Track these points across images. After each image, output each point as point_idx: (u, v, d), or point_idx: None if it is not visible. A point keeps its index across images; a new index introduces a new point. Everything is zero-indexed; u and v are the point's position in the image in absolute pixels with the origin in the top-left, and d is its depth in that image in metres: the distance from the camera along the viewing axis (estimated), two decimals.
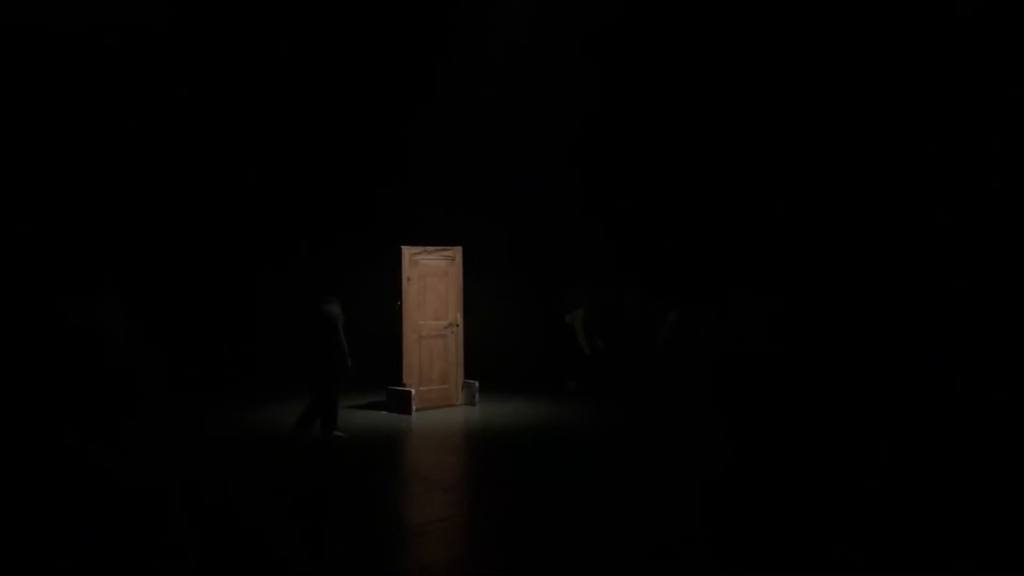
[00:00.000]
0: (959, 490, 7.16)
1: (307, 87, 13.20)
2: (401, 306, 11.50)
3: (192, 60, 12.51)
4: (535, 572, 5.60)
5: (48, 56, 11.77)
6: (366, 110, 13.54)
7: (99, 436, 9.78)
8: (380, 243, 12.21)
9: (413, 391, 11.35)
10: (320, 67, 13.08)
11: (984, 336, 10.20)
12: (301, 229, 13.47)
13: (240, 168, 13.21)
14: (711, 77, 12.66)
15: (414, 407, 11.25)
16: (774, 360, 11.30)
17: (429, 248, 11.79)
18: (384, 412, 11.32)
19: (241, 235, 13.33)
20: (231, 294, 13.13)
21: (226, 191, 13.27)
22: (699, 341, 12.14)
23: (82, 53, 11.91)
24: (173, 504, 7.16)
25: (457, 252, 11.96)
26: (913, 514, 6.58)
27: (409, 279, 11.55)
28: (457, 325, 11.88)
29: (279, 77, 13.05)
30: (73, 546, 6.10)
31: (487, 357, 12.49)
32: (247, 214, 13.34)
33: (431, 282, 11.73)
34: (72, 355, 11.34)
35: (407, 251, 11.62)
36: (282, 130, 13.27)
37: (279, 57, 12.89)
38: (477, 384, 11.89)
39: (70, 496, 7.33)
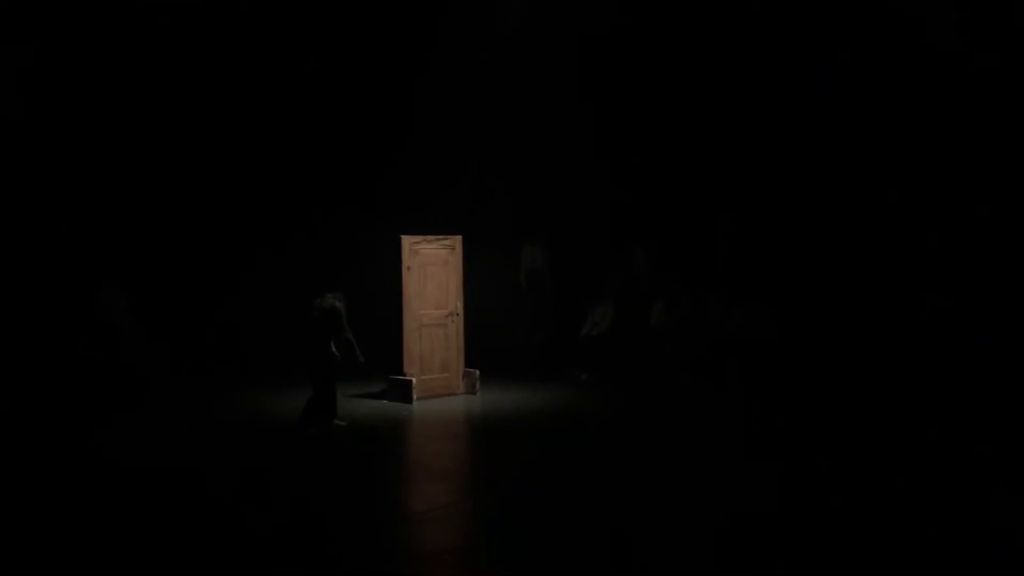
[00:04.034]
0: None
1: (303, 76, 13.19)
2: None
3: (186, 44, 12.48)
4: (536, 559, 5.60)
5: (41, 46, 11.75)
6: (364, 96, 13.52)
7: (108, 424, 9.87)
8: (380, 232, 12.21)
9: (414, 380, 11.34)
10: (317, 56, 13.07)
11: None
12: (300, 218, 13.45)
13: (236, 158, 13.21)
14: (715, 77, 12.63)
15: (415, 396, 11.25)
16: (775, 351, 11.34)
17: (429, 237, 11.75)
18: (385, 401, 11.32)
19: (239, 225, 13.32)
20: (231, 285, 13.13)
21: (224, 180, 13.27)
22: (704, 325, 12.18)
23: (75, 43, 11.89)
24: (174, 496, 7.16)
25: (457, 241, 11.93)
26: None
27: (409, 268, 11.53)
28: (457, 314, 11.86)
29: (276, 65, 13.03)
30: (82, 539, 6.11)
31: (489, 345, 12.48)
32: (245, 204, 13.33)
33: (432, 271, 11.69)
34: (88, 345, 11.44)
35: (407, 240, 11.59)
36: (279, 119, 13.26)
37: (276, 47, 12.89)
38: (478, 372, 11.88)
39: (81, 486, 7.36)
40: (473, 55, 13.08)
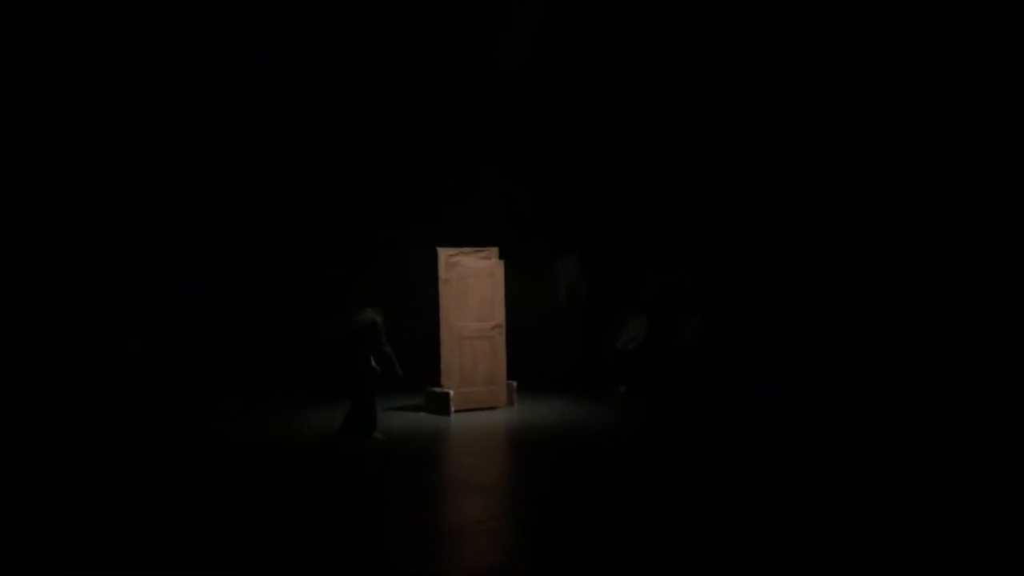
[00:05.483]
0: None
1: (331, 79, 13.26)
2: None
3: (207, 50, 12.58)
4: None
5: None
6: (393, 105, 13.56)
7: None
8: (416, 244, 12.26)
9: (451, 392, 11.34)
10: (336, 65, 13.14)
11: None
12: (333, 228, 13.53)
13: (266, 165, 13.30)
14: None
15: (453, 409, 11.25)
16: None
17: (466, 249, 11.76)
18: (422, 413, 11.34)
19: (273, 238, 13.44)
20: (263, 298, 13.25)
21: (251, 188, 13.37)
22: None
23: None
24: (208, 506, 7.22)
25: (493, 252, 11.90)
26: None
27: (446, 280, 11.54)
28: (501, 326, 11.81)
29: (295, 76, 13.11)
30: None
31: (523, 356, 12.46)
32: (275, 214, 13.43)
33: (473, 283, 11.63)
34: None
35: (443, 252, 11.61)
36: (308, 127, 13.35)
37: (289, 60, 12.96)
38: (515, 384, 11.85)
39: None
40: (503, 61, 13.08)
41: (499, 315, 11.75)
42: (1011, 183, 10.07)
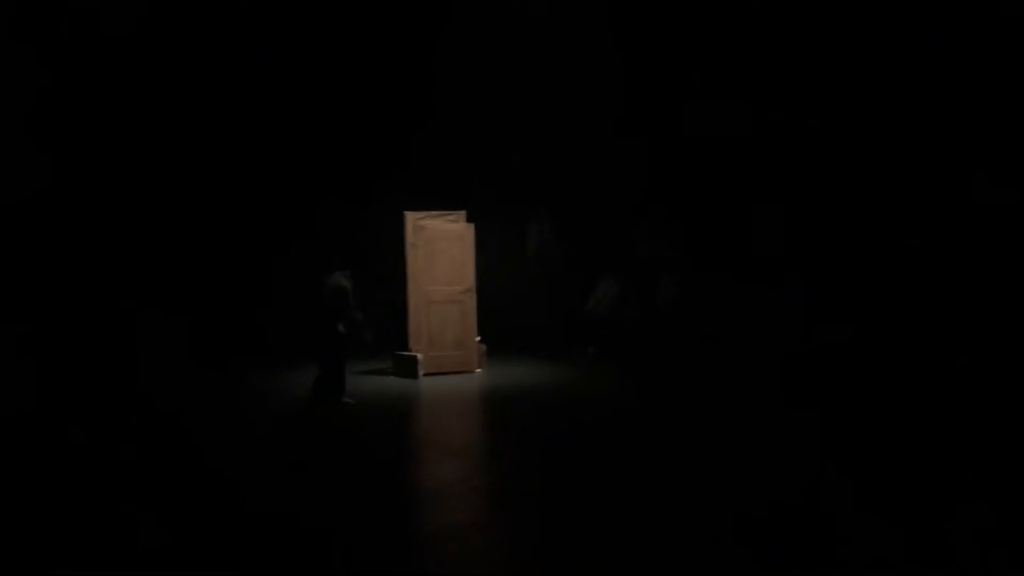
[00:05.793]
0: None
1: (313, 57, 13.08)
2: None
3: (195, 28, 12.35)
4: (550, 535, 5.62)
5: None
6: (369, 71, 13.40)
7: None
8: (386, 208, 12.16)
9: (420, 356, 11.33)
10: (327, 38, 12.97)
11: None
12: (306, 193, 13.38)
13: (249, 141, 13.11)
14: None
15: (421, 372, 11.25)
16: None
17: (433, 212, 11.68)
18: (391, 377, 11.34)
19: (249, 208, 13.26)
20: (239, 266, 13.10)
21: (233, 164, 13.18)
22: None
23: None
24: (173, 475, 7.17)
25: (461, 216, 11.83)
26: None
27: (414, 245, 11.47)
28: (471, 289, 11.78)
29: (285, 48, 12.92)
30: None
31: (491, 320, 12.47)
32: (253, 188, 13.25)
33: (442, 247, 11.58)
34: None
35: (411, 216, 11.53)
36: (281, 99, 13.15)
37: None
38: (485, 348, 11.86)
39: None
40: (489, 26, 12.95)
41: (469, 279, 11.71)
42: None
